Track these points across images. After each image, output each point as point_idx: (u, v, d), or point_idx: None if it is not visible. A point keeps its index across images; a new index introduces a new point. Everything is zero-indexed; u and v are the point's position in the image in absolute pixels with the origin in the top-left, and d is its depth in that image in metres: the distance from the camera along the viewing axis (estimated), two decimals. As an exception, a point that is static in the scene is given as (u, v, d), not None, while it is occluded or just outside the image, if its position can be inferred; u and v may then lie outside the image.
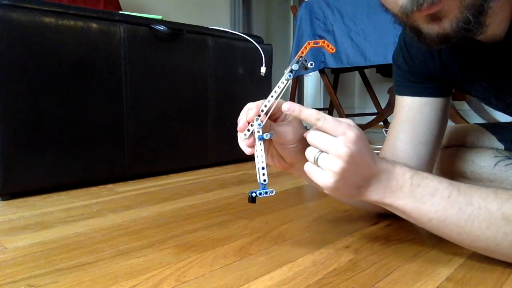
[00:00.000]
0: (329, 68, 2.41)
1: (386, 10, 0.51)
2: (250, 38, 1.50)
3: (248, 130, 0.53)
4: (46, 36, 0.99)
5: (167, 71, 1.25)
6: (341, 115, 2.43)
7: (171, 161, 1.29)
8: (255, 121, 0.53)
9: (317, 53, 2.33)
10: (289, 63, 0.55)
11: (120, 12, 1.21)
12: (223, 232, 0.71)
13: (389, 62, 2.00)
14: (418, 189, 0.52)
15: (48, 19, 1.00)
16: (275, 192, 0.55)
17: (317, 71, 2.45)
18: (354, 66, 2.27)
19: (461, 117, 2.27)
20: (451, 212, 0.50)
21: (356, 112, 3.29)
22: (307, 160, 0.54)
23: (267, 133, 0.53)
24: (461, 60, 0.64)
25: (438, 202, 0.51)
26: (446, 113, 0.73)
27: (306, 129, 0.57)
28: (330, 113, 3.01)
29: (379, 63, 2.08)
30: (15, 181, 0.97)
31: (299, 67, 0.54)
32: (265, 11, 3.63)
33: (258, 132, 0.53)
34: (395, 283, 0.50)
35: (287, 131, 0.55)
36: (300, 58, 0.54)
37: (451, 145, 0.90)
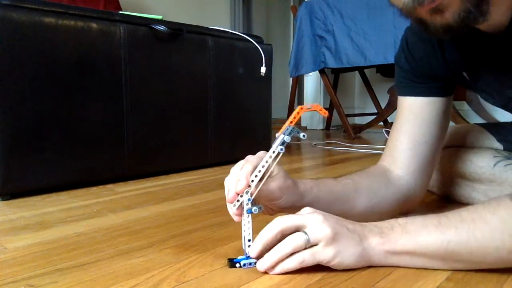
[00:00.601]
0: (329, 68, 2.41)
1: (392, 4, 0.52)
2: (250, 38, 1.50)
3: (238, 200, 0.54)
4: (46, 36, 0.99)
5: (167, 71, 1.25)
6: (341, 115, 2.43)
7: (171, 161, 1.29)
8: (244, 194, 0.53)
9: (317, 53, 2.33)
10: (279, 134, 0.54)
11: (120, 12, 1.21)
12: (223, 232, 0.71)
13: (389, 62, 2.00)
14: (408, 225, 0.53)
15: (48, 19, 1.00)
16: None
17: (317, 71, 2.45)
18: (354, 66, 2.28)
19: (461, 117, 2.27)
20: (450, 234, 0.50)
21: (356, 112, 3.29)
22: (295, 209, 0.56)
23: (255, 208, 0.54)
24: (465, 54, 0.65)
25: (432, 231, 0.51)
26: (447, 114, 0.73)
27: (292, 180, 0.58)
28: (330, 113, 3.01)
29: (379, 63, 2.08)
30: (15, 181, 0.97)
31: (291, 137, 0.54)
32: (265, 11, 3.63)
33: (247, 205, 0.54)
34: (395, 283, 0.50)
35: (273, 189, 0.56)
36: (293, 129, 0.54)
37: (451, 145, 0.90)
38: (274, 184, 0.56)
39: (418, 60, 0.70)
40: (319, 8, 2.29)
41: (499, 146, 0.85)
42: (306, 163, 1.51)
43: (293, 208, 0.59)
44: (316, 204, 0.60)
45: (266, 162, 0.54)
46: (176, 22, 1.27)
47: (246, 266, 0.54)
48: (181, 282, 0.51)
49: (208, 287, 0.49)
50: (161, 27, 1.20)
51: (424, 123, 0.71)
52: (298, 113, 0.54)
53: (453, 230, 0.50)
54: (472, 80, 0.67)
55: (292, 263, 0.51)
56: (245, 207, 0.54)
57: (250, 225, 0.55)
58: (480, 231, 0.49)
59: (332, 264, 0.51)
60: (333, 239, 0.50)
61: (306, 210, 0.54)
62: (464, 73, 0.67)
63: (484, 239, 0.49)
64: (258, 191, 0.54)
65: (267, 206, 0.59)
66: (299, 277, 0.51)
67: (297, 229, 0.52)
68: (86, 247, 0.64)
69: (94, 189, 1.07)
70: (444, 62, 0.67)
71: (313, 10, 2.32)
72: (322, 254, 0.50)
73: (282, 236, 0.52)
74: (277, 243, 0.52)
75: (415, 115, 0.71)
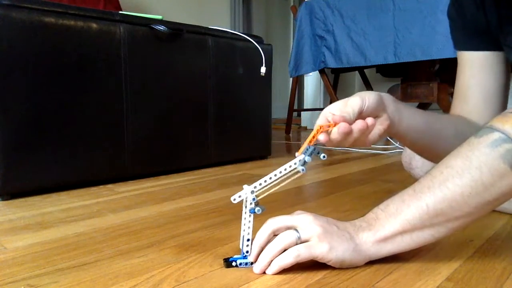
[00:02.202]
0: (329, 68, 2.41)
1: None
2: (250, 38, 1.50)
3: (240, 196, 0.54)
4: (46, 36, 0.99)
5: (167, 71, 1.25)
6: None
7: (171, 161, 1.29)
8: (249, 193, 0.54)
9: (317, 53, 2.33)
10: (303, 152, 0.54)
11: (120, 12, 1.21)
12: (223, 232, 0.71)
13: (389, 62, 2.00)
14: (389, 207, 0.53)
15: (48, 19, 1.00)
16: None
17: (317, 71, 2.45)
18: (354, 66, 2.27)
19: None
20: (425, 197, 0.50)
21: (356, 112, 3.29)
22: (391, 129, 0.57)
23: (258, 208, 0.54)
24: (500, 8, 0.65)
25: (410, 201, 0.51)
26: (507, 65, 0.73)
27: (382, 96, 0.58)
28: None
29: (379, 63, 2.08)
30: (15, 181, 0.97)
31: (312, 158, 0.54)
32: (265, 11, 3.63)
33: (251, 204, 0.54)
34: (395, 283, 0.50)
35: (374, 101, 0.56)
36: (313, 150, 0.53)
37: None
38: (372, 101, 0.55)
39: (467, 12, 0.71)
40: (319, 8, 2.29)
41: None
42: (306, 163, 1.51)
43: (390, 126, 0.58)
44: (409, 122, 0.61)
45: (280, 172, 0.54)
46: (176, 22, 1.27)
47: (242, 266, 0.54)
48: (181, 282, 0.51)
49: (208, 287, 0.49)
50: (161, 27, 1.20)
51: (490, 75, 0.71)
52: (317, 131, 0.53)
53: (427, 191, 0.50)
54: (504, 37, 0.68)
55: (288, 258, 0.51)
56: (248, 207, 0.54)
57: (250, 225, 0.55)
58: (449, 179, 0.49)
59: (328, 259, 0.51)
60: (325, 235, 0.51)
61: (297, 212, 0.56)
62: (498, 30, 0.68)
63: (456, 186, 0.48)
64: (362, 113, 0.55)
65: (363, 134, 0.56)
66: (299, 277, 0.51)
67: (288, 229, 0.53)
68: (86, 247, 0.64)
69: (94, 189, 1.07)
70: (486, 19, 0.69)
71: (313, 10, 2.31)
72: (318, 248, 0.51)
73: (275, 237, 0.53)
74: None
75: (479, 68, 0.72)
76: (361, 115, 0.55)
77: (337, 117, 0.53)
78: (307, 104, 3.31)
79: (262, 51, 1.49)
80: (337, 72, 2.91)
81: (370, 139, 0.57)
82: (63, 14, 1.03)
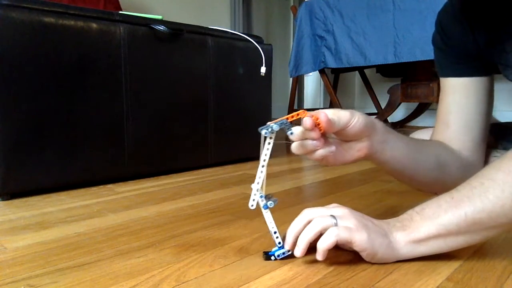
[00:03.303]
0: (329, 68, 2.41)
1: None
2: (250, 38, 1.50)
3: (254, 199, 0.56)
4: (46, 36, 0.99)
5: (167, 71, 1.25)
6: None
7: (171, 161, 1.29)
8: (257, 192, 0.55)
9: (317, 53, 2.33)
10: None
11: (120, 12, 1.21)
12: (223, 232, 0.71)
13: (389, 62, 2.00)
14: (425, 211, 0.53)
15: (48, 19, 1.00)
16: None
17: (317, 71, 2.45)
18: (354, 66, 2.27)
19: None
20: (464, 206, 0.50)
21: (356, 112, 3.29)
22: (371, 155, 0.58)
23: (270, 202, 0.56)
24: (494, 35, 0.66)
25: (447, 208, 0.51)
26: (491, 92, 0.73)
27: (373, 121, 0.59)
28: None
29: (379, 63, 2.08)
30: (15, 181, 0.97)
31: (279, 128, 0.54)
32: (265, 11, 3.62)
33: (262, 201, 0.56)
34: (395, 283, 0.50)
35: (360, 126, 0.56)
36: (285, 123, 0.53)
37: None
38: (361, 121, 0.56)
39: (453, 39, 0.71)
40: (319, 8, 2.29)
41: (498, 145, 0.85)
42: (306, 163, 1.51)
43: (370, 154, 0.59)
44: (392, 153, 0.61)
45: (265, 154, 0.55)
46: (176, 22, 1.27)
47: (280, 257, 0.56)
48: (181, 282, 0.51)
49: (208, 287, 0.49)
50: (161, 27, 1.20)
51: (472, 103, 0.72)
52: (298, 114, 0.54)
53: (466, 200, 0.51)
54: (497, 56, 0.68)
55: (329, 238, 0.51)
56: (261, 204, 0.56)
57: (271, 218, 0.56)
58: (490, 191, 0.49)
59: (364, 247, 0.51)
60: (362, 227, 0.52)
61: (333, 205, 0.57)
62: (490, 49, 0.68)
63: (497, 198, 0.49)
64: (346, 129, 0.55)
65: (337, 153, 0.57)
66: (300, 277, 0.51)
67: None
68: (86, 247, 0.64)
69: (94, 189, 1.07)
70: (475, 42, 0.69)
71: (313, 10, 2.31)
72: (357, 234, 0.51)
73: None
74: None
75: (461, 95, 0.72)
76: (344, 131, 0.56)
77: (323, 115, 0.52)
78: (307, 104, 3.31)
79: (262, 51, 1.49)
80: (337, 72, 2.91)
81: (340, 160, 0.58)
82: (63, 14, 1.03)
